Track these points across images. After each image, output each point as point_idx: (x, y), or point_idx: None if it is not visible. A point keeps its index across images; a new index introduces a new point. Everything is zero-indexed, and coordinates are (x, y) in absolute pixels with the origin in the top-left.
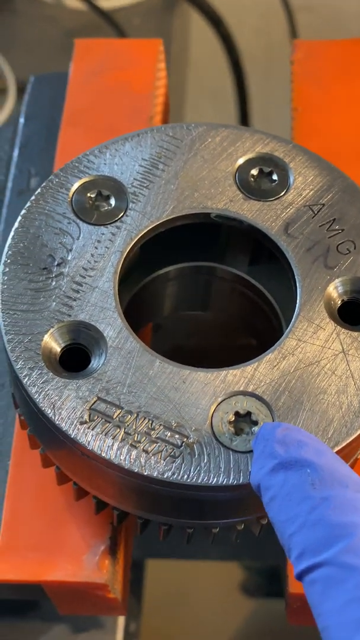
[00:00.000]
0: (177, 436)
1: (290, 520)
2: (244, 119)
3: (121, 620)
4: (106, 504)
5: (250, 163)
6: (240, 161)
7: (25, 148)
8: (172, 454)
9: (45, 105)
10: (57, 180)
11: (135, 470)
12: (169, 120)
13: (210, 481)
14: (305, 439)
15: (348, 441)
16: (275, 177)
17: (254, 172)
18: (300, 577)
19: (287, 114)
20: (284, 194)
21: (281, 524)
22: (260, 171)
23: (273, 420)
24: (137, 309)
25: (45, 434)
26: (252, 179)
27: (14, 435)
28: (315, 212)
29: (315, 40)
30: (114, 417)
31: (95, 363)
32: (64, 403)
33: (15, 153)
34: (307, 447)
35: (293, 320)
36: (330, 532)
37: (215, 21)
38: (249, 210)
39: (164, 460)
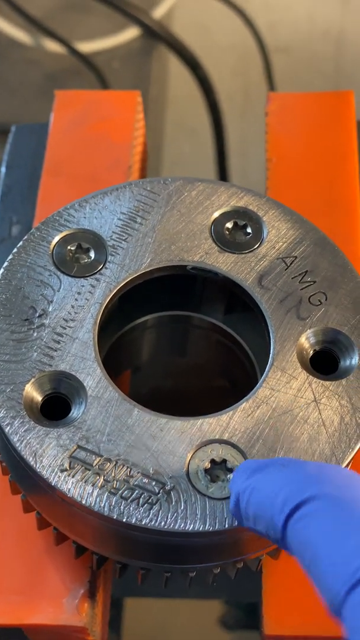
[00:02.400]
0: (154, 483)
1: (273, 493)
2: (221, 158)
3: None
4: (86, 549)
5: (225, 216)
6: (216, 214)
7: (6, 196)
8: (150, 500)
9: (26, 155)
10: (38, 233)
11: (114, 517)
12: (147, 167)
13: (187, 527)
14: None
15: None
16: (249, 230)
17: (229, 225)
18: (285, 526)
19: (262, 152)
20: (258, 247)
21: (262, 505)
22: (235, 224)
23: None
24: (116, 356)
25: (27, 480)
26: (227, 232)
27: None
28: (288, 265)
29: (289, 92)
30: (94, 464)
31: (75, 412)
32: (45, 451)
33: None
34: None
35: (267, 369)
36: (307, 478)
37: (193, 65)
38: (224, 263)
39: (142, 507)
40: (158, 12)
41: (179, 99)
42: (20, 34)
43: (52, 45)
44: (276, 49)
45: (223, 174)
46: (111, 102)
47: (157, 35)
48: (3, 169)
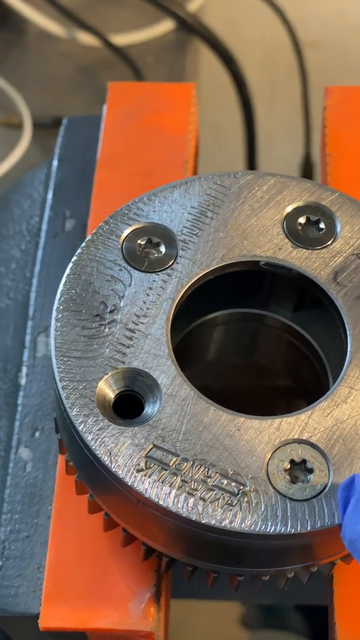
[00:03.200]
0: (233, 484)
1: None
2: (252, 154)
3: None
4: (154, 551)
5: (297, 211)
6: (288, 209)
7: (59, 190)
8: (229, 502)
9: (79, 148)
10: (107, 227)
11: (193, 519)
12: (198, 162)
13: (268, 530)
14: None
15: None
16: (322, 225)
17: (302, 220)
18: None
19: (288, 148)
20: (331, 243)
21: None
22: (308, 219)
23: (328, 469)
24: (182, 352)
25: (98, 480)
26: (299, 227)
27: (55, 480)
28: None
29: (347, 85)
30: (171, 464)
31: (149, 410)
32: (120, 450)
33: (50, 195)
34: None
35: (344, 368)
36: None
37: (227, 59)
38: (297, 259)
39: (222, 508)
40: (192, 5)
41: (209, 94)
42: (53, 26)
43: (85, 38)
44: (305, 44)
45: (252, 169)
46: (166, 95)
47: (191, 29)
48: (55, 162)
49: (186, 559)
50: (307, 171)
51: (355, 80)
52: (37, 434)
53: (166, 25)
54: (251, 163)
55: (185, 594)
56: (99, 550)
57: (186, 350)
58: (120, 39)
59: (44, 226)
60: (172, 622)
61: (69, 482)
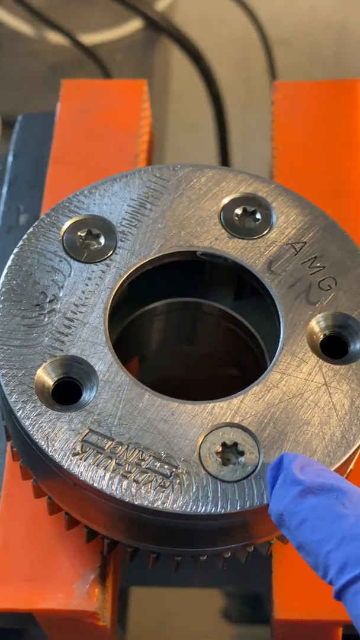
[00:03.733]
0: (166, 466)
1: (326, 538)
2: (224, 150)
3: None
4: (97, 533)
5: (234, 203)
6: (225, 201)
7: (13, 185)
8: (162, 483)
9: (33, 144)
10: (48, 219)
11: (127, 500)
12: (153, 156)
13: (199, 510)
14: (322, 468)
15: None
16: (258, 216)
17: (238, 211)
18: (341, 591)
19: (265, 145)
20: (267, 233)
21: (315, 544)
22: (244, 210)
23: (259, 451)
24: (125, 343)
25: (38, 465)
26: (236, 218)
27: (4, 467)
28: (298, 250)
29: (294, 81)
30: (106, 448)
31: (86, 396)
32: (57, 435)
33: (4, 190)
34: (328, 473)
35: (277, 353)
36: None
37: (196, 57)
38: (233, 248)
39: (154, 490)
40: (161, 4)
41: (181, 92)
42: (22, 26)
43: (54, 37)
44: (278, 42)
45: (225, 164)
46: (118, 91)
47: (159, 28)
48: (10, 158)
49: (126, 540)
50: None
51: (326, 77)
52: None
53: (135, 24)
54: (224, 160)
55: (169, 582)
56: (46, 534)
57: (128, 340)
58: (89, 38)
59: None
60: (154, 612)
61: (16, 468)
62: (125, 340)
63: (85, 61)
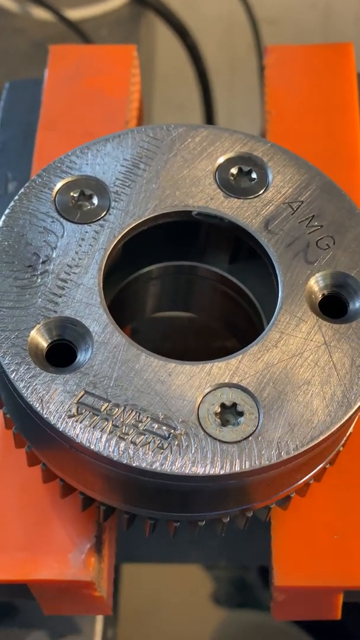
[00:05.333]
0: (164, 428)
1: None
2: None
3: (99, 626)
4: (93, 501)
5: (229, 162)
6: (220, 160)
7: (1, 153)
8: (160, 445)
9: (21, 111)
10: (40, 180)
11: (124, 462)
12: (143, 124)
13: (198, 471)
14: None
15: (332, 430)
16: (254, 175)
17: (234, 170)
18: None
19: (251, 122)
20: (263, 192)
21: None
22: (240, 170)
23: (258, 411)
24: (119, 307)
25: (33, 429)
26: (231, 178)
27: None
28: (295, 209)
29: (287, 44)
30: (102, 410)
31: (81, 358)
32: (52, 397)
33: None
34: None
35: (275, 313)
36: None
37: (182, 32)
38: (229, 208)
39: (152, 451)
40: None
41: (167, 68)
42: (5, 1)
43: (39, 13)
44: (263, 21)
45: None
46: (107, 57)
47: (145, 3)
48: None
49: (123, 506)
50: None
51: None
52: None
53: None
54: None
55: (162, 558)
56: (40, 503)
57: (123, 304)
58: (74, 13)
59: None
60: (145, 591)
61: (9, 436)
62: (120, 304)
63: (71, 37)
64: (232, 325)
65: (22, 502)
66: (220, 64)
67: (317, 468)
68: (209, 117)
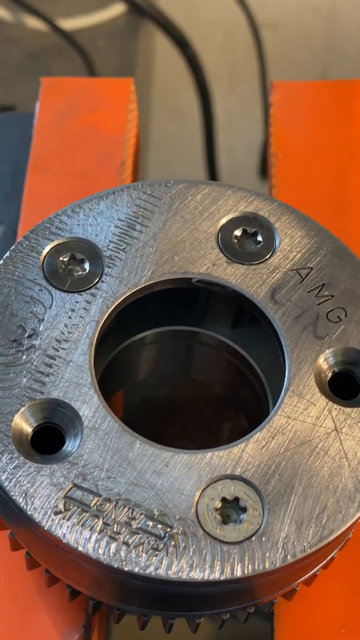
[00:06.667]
0: (159, 526)
1: None
2: (209, 138)
3: None
4: (80, 592)
5: (233, 223)
6: (223, 221)
7: None
8: (155, 546)
9: (10, 148)
10: (27, 242)
11: (115, 566)
12: (139, 161)
13: (196, 576)
14: None
15: (343, 529)
16: (260, 238)
17: (238, 232)
18: None
19: (250, 128)
20: (269, 257)
21: None
22: (244, 232)
23: (263, 507)
24: (109, 377)
25: (15, 520)
26: (235, 241)
27: None
28: (303, 277)
29: (294, 81)
30: (92, 505)
31: (70, 445)
32: (37, 491)
33: None
34: None
35: (282, 395)
36: None
37: (181, 43)
38: (233, 275)
39: (146, 553)
40: None
41: (165, 78)
42: None
43: (33, 23)
44: (265, 25)
45: (211, 153)
46: (102, 91)
47: (143, 12)
48: None
49: (113, 602)
50: (266, 158)
51: (314, 61)
52: None
53: (117, 9)
54: (209, 146)
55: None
56: (25, 589)
57: (113, 374)
58: (69, 24)
59: None
60: None
61: None
62: (110, 374)
63: (66, 48)
64: (233, 394)
65: (6, 587)
66: (220, 68)
67: (326, 559)
68: (208, 125)
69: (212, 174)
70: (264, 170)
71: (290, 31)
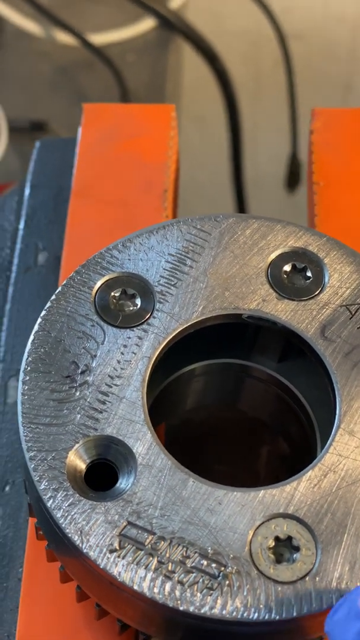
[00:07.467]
0: (214, 565)
1: None
2: (236, 151)
3: None
4: (130, 626)
5: (282, 258)
6: (273, 256)
7: (31, 220)
8: (209, 585)
9: (51, 173)
10: (78, 277)
11: (171, 605)
12: (179, 187)
13: (251, 617)
14: None
15: None
16: (309, 273)
17: (287, 268)
18: None
19: (274, 138)
20: (319, 293)
21: None
22: (294, 267)
23: (316, 546)
24: (157, 406)
25: (68, 556)
26: (285, 276)
27: (27, 541)
28: (353, 313)
29: (336, 108)
30: (146, 544)
31: (123, 482)
32: (92, 529)
33: (21, 225)
34: None
35: (333, 433)
36: None
37: (211, 57)
38: (283, 311)
39: (201, 592)
40: (174, 3)
41: (194, 92)
42: (29, 25)
43: (63, 37)
44: (290, 36)
45: (237, 165)
46: (143, 116)
47: (173, 27)
48: (27, 190)
49: (165, 638)
50: (293, 170)
51: (341, 71)
52: (7, 488)
53: (147, 24)
54: (236, 158)
55: None
56: (73, 621)
57: (162, 402)
58: (99, 38)
59: (15, 260)
60: None
61: (40, 546)
62: (158, 403)
63: (96, 62)
64: (280, 428)
65: (54, 618)
66: (246, 79)
67: None
68: (235, 140)
69: (238, 185)
70: (291, 182)
71: (315, 41)
